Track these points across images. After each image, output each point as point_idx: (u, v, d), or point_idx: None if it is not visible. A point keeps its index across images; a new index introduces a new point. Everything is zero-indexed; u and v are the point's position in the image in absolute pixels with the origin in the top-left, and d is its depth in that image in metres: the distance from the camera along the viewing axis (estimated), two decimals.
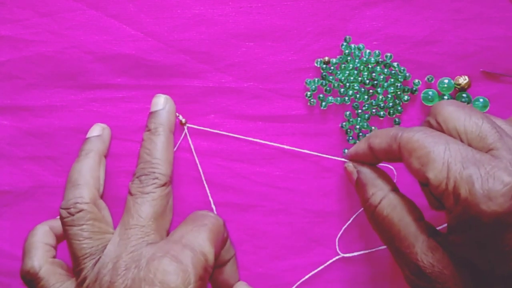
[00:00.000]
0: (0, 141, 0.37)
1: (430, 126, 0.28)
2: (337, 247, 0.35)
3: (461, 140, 0.26)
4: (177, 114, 0.36)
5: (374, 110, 0.36)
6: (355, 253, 0.35)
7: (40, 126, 0.37)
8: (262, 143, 0.36)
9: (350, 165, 0.32)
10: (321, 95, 0.36)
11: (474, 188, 0.23)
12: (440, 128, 0.27)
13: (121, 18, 0.36)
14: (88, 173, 0.32)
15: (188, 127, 0.36)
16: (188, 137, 0.36)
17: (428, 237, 0.26)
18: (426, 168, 0.25)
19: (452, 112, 0.27)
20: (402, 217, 0.27)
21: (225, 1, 0.36)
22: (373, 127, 0.35)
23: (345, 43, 0.35)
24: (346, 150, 0.35)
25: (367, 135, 0.31)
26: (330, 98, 0.36)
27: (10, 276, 0.37)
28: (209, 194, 0.36)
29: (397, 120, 0.35)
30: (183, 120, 0.36)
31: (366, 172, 0.30)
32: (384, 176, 0.30)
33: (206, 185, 0.36)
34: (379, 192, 0.29)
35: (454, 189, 0.24)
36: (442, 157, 0.25)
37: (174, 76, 0.36)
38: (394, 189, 0.29)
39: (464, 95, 0.35)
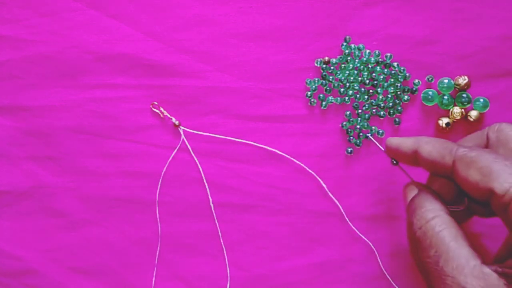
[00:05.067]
0: (0, 141, 0.37)
1: (487, 138, 0.28)
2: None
3: None
4: (170, 117, 0.36)
5: (374, 110, 0.36)
6: None
7: (40, 126, 0.37)
8: (262, 143, 0.36)
9: (413, 186, 0.31)
10: (321, 95, 0.36)
11: None
12: (498, 144, 0.27)
13: (121, 18, 0.36)
14: None
15: (183, 129, 0.36)
16: (185, 139, 0.36)
17: (482, 263, 0.24)
18: (489, 177, 0.24)
19: None
20: (455, 237, 0.26)
21: (225, 1, 0.36)
22: (373, 127, 0.35)
23: (345, 43, 0.35)
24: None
25: (416, 136, 0.30)
26: (330, 98, 0.36)
27: (10, 276, 0.37)
28: (209, 194, 0.36)
29: (397, 120, 0.35)
30: (176, 122, 0.36)
31: (427, 191, 0.29)
32: (441, 199, 0.29)
33: (206, 185, 0.36)
34: (435, 210, 0.27)
35: None
36: (507, 167, 0.24)
37: (174, 76, 0.36)
38: (450, 214, 0.28)
39: (464, 95, 0.35)
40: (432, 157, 0.28)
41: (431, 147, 0.28)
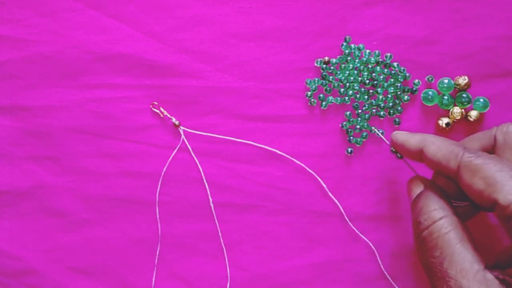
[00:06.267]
0: (0, 141, 0.37)
1: (495, 140, 0.28)
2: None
3: None
4: (170, 117, 0.36)
5: (374, 110, 0.36)
6: None
7: (40, 126, 0.37)
8: (262, 143, 0.36)
9: (418, 182, 0.31)
10: (321, 95, 0.36)
11: None
12: (505, 147, 0.27)
13: (121, 18, 0.36)
14: None
15: (183, 129, 0.36)
16: (185, 139, 0.36)
17: (485, 268, 0.25)
18: (493, 188, 0.24)
19: None
20: (461, 240, 0.26)
21: (225, 1, 0.36)
22: (373, 128, 0.35)
23: (345, 43, 0.35)
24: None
25: (423, 134, 0.30)
26: (330, 98, 0.36)
27: (9, 276, 0.37)
28: (209, 194, 0.36)
29: (397, 120, 0.35)
30: (176, 122, 0.36)
31: (433, 188, 0.29)
32: (449, 200, 0.29)
33: (206, 185, 0.36)
34: (442, 210, 0.27)
35: None
36: (511, 178, 0.24)
37: (174, 76, 0.36)
38: (456, 214, 0.28)
39: (464, 95, 0.35)
40: (437, 158, 0.28)
41: (436, 148, 0.28)
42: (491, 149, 0.29)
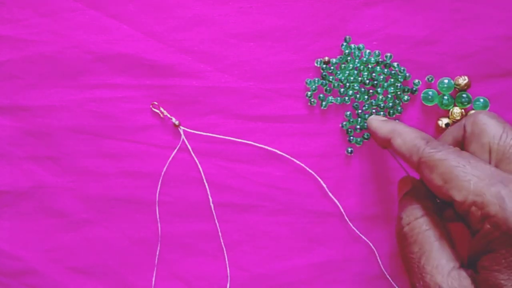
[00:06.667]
0: (0, 141, 0.37)
1: (464, 132, 0.28)
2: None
3: (490, 157, 0.26)
4: (170, 117, 0.36)
5: (374, 110, 0.36)
6: None
7: (40, 126, 0.37)
8: (262, 143, 0.36)
9: (407, 181, 0.31)
10: (321, 95, 0.36)
11: (505, 204, 0.23)
12: (472, 138, 0.27)
13: (121, 18, 0.36)
14: None
15: (183, 129, 0.36)
16: (185, 139, 0.36)
17: (460, 267, 0.25)
18: (449, 185, 0.25)
19: (491, 127, 0.27)
20: (439, 238, 0.26)
21: (225, 1, 0.36)
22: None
23: (345, 43, 0.35)
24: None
25: (394, 123, 0.30)
26: (330, 98, 0.36)
27: (10, 276, 0.37)
28: (209, 194, 0.36)
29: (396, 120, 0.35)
30: (176, 123, 0.36)
31: (419, 188, 0.30)
32: (432, 198, 0.29)
33: (206, 185, 0.36)
34: (424, 209, 0.28)
35: (481, 205, 0.23)
36: (466, 173, 0.24)
37: (174, 76, 0.36)
38: (438, 214, 0.28)
39: (464, 95, 0.35)
40: (402, 152, 0.28)
41: (402, 141, 0.29)
42: (462, 141, 0.29)
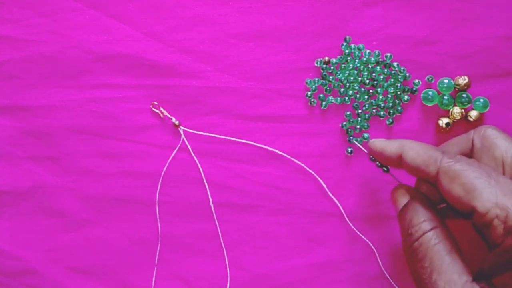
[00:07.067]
0: (0, 141, 0.37)
1: (473, 145, 0.28)
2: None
3: (504, 171, 0.26)
4: (170, 117, 0.36)
5: (374, 110, 0.36)
6: None
7: (40, 126, 0.37)
8: (262, 143, 0.36)
9: (403, 191, 0.30)
10: (321, 95, 0.36)
11: None
12: (482, 151, 0.27)
13: (121, 18, 0.36)
14: None
15: (183, 129, 0.36)
16: (185, 139, 0.36)
17: (472, 280, 0.25)
18: (471, 195, 0.24)
19: (501, 141, 0.27)
20: (450, 252, 0.26)
21: (225, 1, 0.36)
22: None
23: (345, 43, 0.35)
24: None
25: (401, 140, 0.30)
26: (330, 98, 0.36)
27: (10, 276, 0.37)
28: (209, 194, 0.36)
29: (390, 120, 0.35)
30: (176, 123, 0.36)
31: (419, 198, 0.29)
32: (436, 210, 0.29)
33: (206, 185, 0.36)
34: (431, 222, 0.27)
35: (505, 219, 0.23)
36: (489, 185, 0.24)
37: (174, 76, 0.36)
38: (444, 224, 0.28)
39: (464, 95, 0.35)
40: (416, 164, 0.28)
41: (415, 153, 0.28)
42: (470, 153, 0.29)
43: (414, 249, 0.27)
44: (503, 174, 0.26)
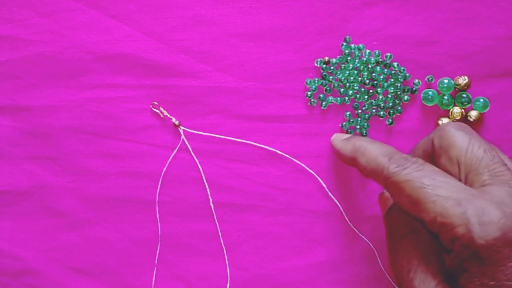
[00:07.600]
0: (0, 141, 0.37)
1: (432, 145, 0.28)
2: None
3: (460, 170, 0.26)
4: (170, 117, 0.36)
5: (374, 110, 0.36)
6: None
7: (40, 126, 0.37)
8: (262, 143, 0.36)
9: (388, 195, 0.31)
10: (321, 95, 0.36)
11: (471, 225, 0.23)
12: (440, 151, 0.27)
13: (121, 18, 0.36)
14: None
15: (183, 129, 0.36)
16: (185, 139, 0.36)
17: (444, 281, 0.25)
18: (417, 207, 0.25)
19: (457, 140, 0.27)
20: (426, 253, 0.27)
21: (225, 1, 0.36)
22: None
23: (345, 43, 0.35)
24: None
25: (356, 141, 0.30)
26: (330, 98, 0.36)
27: (10, 276, 0.37)
28: (209, 194, 0.36)
29: (390, 120, 0.35)
30: (176, 122, 0.36)
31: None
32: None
33: (206, 185, 0.36)
34: (410, 225, 0.28)
35: (449, 227, 0.23)
36: (431, 194, 0.24)
37: (174, 76, 0.36)
38: (424, 226, 0.28)
39: (464, 95, 0.35)
40: (367, 173, 0.28)
41: (366, 161, 0.28)
42: (432, 154, 0.29)
43: (395, 250, 0.28)
44: (459, 173, 0.26)
